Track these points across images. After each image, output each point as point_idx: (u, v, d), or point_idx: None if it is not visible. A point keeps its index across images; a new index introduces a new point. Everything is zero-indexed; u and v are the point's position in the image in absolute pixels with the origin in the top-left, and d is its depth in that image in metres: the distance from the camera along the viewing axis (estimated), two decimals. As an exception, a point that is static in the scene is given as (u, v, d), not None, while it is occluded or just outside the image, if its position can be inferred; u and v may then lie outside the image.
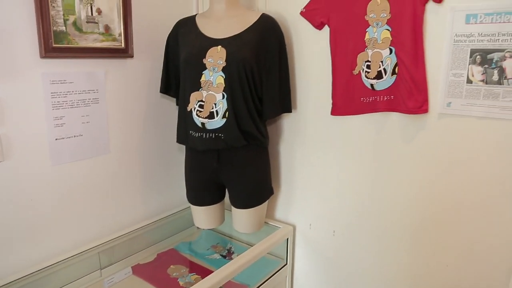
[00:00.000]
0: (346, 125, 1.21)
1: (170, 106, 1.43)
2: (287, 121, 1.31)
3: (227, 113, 1.12)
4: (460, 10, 0.98)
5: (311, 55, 1.23)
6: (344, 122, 1.21)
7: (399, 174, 1.13)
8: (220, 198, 1.23)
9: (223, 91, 1.10)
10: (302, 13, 1.17)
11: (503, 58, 0.95)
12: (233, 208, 1.19)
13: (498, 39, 0.95)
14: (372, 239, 1.20)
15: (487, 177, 1.01)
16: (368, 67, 1.09)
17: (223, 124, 1.12)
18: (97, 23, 1.11)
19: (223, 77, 1.10)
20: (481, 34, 0.96)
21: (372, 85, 1.09)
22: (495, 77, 0.96)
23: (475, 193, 1.03)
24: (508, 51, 0.94)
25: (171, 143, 1.34)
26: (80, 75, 1.11)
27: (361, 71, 1.11)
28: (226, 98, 1.11)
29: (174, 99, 1.32)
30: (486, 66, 0.97)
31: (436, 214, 1.10)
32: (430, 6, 1.01)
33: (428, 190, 1.10)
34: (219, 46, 1.10)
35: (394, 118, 1.10)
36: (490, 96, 0.97)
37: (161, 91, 1.22)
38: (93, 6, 1.10)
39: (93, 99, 1.16)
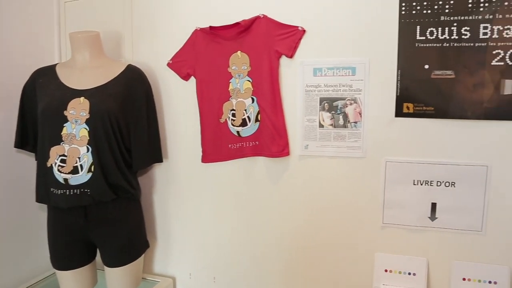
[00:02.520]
0: (217, 172, 1.36)
1: (28, 161, 1.41)
2: (159, 171, 1.40)
3: (92, 166, 1.15)
4: (308, 65, 1.22)
5: (180, 105, 1.37)
6: (215, 169, 1.36)
7: (270, 214, 1.32)
8: (91, 258, 1.22)
9: (88, 144, 1.15)
10: (169, 65, 1.32)
11: (345, 105, 1.20)
12: (106, 268, 1.19)
13: (340, 89, 1.20)
14: (251, 279, 1.35)
15: (342, 208, 1.26)
16: (234, 115, 1.27)
17: (89, 179, 1.15)
18: None
19: (87, 129, 1.15)
20: (327, 85, 1.21)
21: (238, 132, 1.27)
22: (341, 121, 1.21)
23: (333, 222, 1.28)
24: (348, 99, 1.20)
25: (30, 202, 1.32)
26: None
27: (227, 119, 1.27)
28: (91, 151, 1.15)
29: (33, 154, 1.31)
30: (333, 112, 1.21)
31: (306, 248, 1.30)
32: (284, 61, 1.24)
33: (296, 225, 1.29)
34: (82, 97, 1.16)
35: (261, 162, 1.28)
36: (338, 138, 1.21)
37: (16, 146, 1.19)
38: None
39: None
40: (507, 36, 1.08)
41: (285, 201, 1.29)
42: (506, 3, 1.06)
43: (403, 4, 1.12)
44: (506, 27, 1.08)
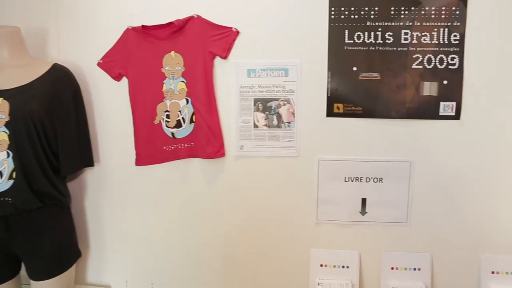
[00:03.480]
0: (152, 175, 1.37)
1: None
2: (91, 176, 1.39)
3: (14, 173, 1.12)
4: (242, 66, 1.27)
5: (111, 106, 1.36)
6: (150, 172, 1.37)
7: (206, 216, 1.35)
8: (14, 273, 1.17)
9: (8, 149, 1.11)
10: (99, 64, 1.31)
11: (279, 106, 1.27)
12: (33, 282, 1.14)
13: (273, 90, 1.27)
14: (190, 282, 1.39)
15: (277, 206, 1.35)
16: (168, 116, 1.29)
17: (11, 186, 1.12)
18: None
19: (6, 133, 1.11)
20: (261, 86, 1.27)
21: (173, 133, 1.29)
22: (275, 121, 1.27)
23: (269, 221, 1.35)
24: (282, 100, 1.27)
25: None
26: None
27: (162, 120, 1.30)
28: (12, 157, 1.11)
29: None
30: (267, 112, 1.27)
31: (244, 247, 1.36)
32: (218, 61, 1.28)
33: (233, 224, 1.35)
34: (1, 99, 1.12)
35: (197, 164, 1.32)
36: (273, 138, 1.28)
37: None
38: None
39: None
40: (424, 42, 1.21)
41: (221, 201, 1.33)
42: (422, 12, 1.19)
43: (333, 9, 1.22)
44: (423, 33, 1.21)
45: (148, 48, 1.27)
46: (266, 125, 1.24)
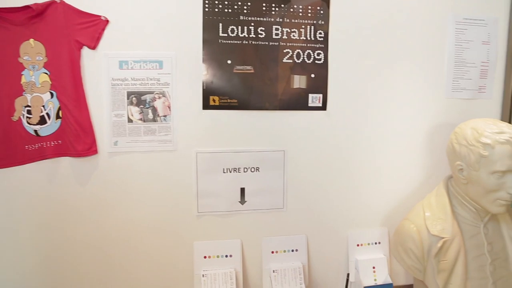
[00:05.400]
0: (13, 178, 1.31)
1: None
2: None
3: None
4: (113, 57, 1.29)
5: None
6: (10, 175, 1.31)
7: (79, 217, 1.36)
8: None
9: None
10: None
11: (154, 99, 1.33)
12: None
13: (148, 83, 1.32)
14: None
15: (157, 201, 1.42)
16: (29, 112, 1.26)
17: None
18: None
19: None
20: (134, 78, 1.31)
21: (36, 131, 1.27)
22: (150, 115, 1.33)
23: (150, 216, 1.43)
24: (157, 93, 1.33)
25: None
26: None
27: (22, 117, 1.26)
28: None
29: None
30: (142, 106, 1.32)
31: (125, 245, 1.41)
32: (86, 52, 1.28)
33: (111, 223, 1.39)
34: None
35: (66, 163, 1.31)
36: (149, 132, 1.33)
37: None
38: None
39: None
40: (294, 38, 1.40)
41: (96, 201, 1.35)
42: (291, 10, 1.37)
43: (207, 2, 1.33)
44: (292, 30, 1.39)
45: (2, 34, 1.23)
46: (141, 119, 1.30)
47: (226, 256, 1.42)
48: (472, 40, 1.57)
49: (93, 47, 1.25)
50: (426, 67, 1.52)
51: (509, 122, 1.60)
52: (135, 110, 1.28)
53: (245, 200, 1.40)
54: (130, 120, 1.29)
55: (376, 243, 1.54)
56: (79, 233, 1.36)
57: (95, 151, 1.31)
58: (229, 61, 1.33)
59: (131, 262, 1.40)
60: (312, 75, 1.39)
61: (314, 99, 1.41)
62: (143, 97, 1.29)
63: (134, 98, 1.28)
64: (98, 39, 1.28)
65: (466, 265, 1.21)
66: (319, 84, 1.41)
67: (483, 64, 1.59)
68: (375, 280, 1.45)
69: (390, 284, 1.45)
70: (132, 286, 1.40)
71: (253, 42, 1.34)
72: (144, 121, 1.29)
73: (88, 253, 1.37)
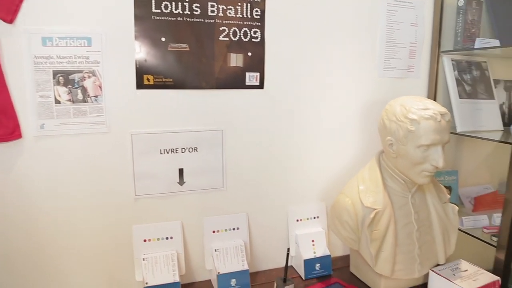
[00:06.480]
0: None
1: None
2: None
3: None
4: (35, 33, 1.21)
5: None
6: None
7: (4, 210, 1.28)
8: None
9: None
10: None
11: (83, 78, 1.27)
12: None
13: (76, 61, 1.26)
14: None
15: (92, 186, 1.38)
16: None
17: None
18: None
19: None
20: (60, 56, 1.24)
21: None
22: (80, 96, 1.28)
23: (85, 202, 1.38)
24: (86, 72, 1.27)
25: None
26: None
27: None
28: None
29: None
30: (70, 86, 1.26)
31: (57, 235, 1.36)
32: (3, 27, 1.19)
33: (40, 212, 1.33)
34: None
35: (-14, 149, 1.21)
36: (79, 114, 1.28)
37: None
38: None
39: None
40: (230, 15, 1.40)
41: (23, 190, 1.28)
42: (227, -14, 1.35)
43: (138, -25, 1.27)
44: (228, 7, 1.39)
45: None
46: (70, 100, 1.26)
47: (167, 238, 1.43)
48: (402, 22, 1.66)
49: (9, 20, 1.18)
50: (360, 47, 1.60)
51: (434, 99, 1.74)
52: (62, 91, 1.24)
53: (184, 181, 1.41)
54: (57, 101, 1.24)
55: (315, 218, 1.62)
56: (4, 227, 1.28)
57: (18, 135, 1.24)
58: (163, 39, 1.31)
59: (67, 251, 1.35)
60: (249, 54, 1.42)
61: (251, 77, 1.44)
62: (71, 77, 1.24)
63: (61, 78, 1.23)
64: (15, 11, 1.19)
65: (396, 233, 1.32)
66: (256, 62, 1.44)
67: (411, 45, 1.70)
68: (314, 253, 1.54)
69: (329, 256, 1.55)
70: (70, 276, 1.36)
71: (188, 19, 1.33)
72: (73, 102, 1.25)
73: (15, 246, 1.30)
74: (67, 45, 1.25)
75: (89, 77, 1.26)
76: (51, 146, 1.29)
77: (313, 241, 1.56)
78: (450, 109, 1.69)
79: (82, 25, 1.27)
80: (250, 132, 1.50)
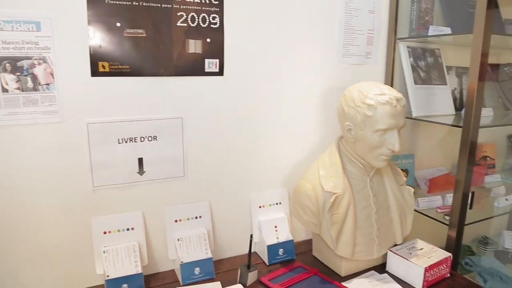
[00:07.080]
0: None
1: None
2: None
3: None
4: (-24, 16, 1.13)
5: None
6: None
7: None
8: None
9: None
10: None
11: (33, 65, 1.21)
12: None
13: (24, 47, 1.20)
14: None
15: (47, 179, 1.33)
16: None
17: None
18: None
19: None
20: (5, 41, 1.18)
21: None
22: (30, 84, 1.22)
23: (41, 196, 1.33)
24: (36, 59, 1.21)
25: None
26: None
27: None
28: None
29: None
30: (18, 73, 1.20)
31: (21, 236, 1.31)
32: None
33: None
34: None
35: None
36: (30, 103, 1.22)
37: None
38: None
39: None
40: (188, 0, 1.38)
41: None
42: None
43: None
44: (186, -9, 1.36)
45: None
46: (18, 88, 1.20)
47: (128, 229, 1.41)
48: (360, 9, 1.71)
49: None
50: (319, 33, 1.62)
51: (391, 85, 1.81)
52: (10, 78, 1.18)
53: (144, 170, 1.40)
54: (5, 90, 1.19)
55: (277, 204, 1.65)
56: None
57: (-37, 126, 1.14)
58: (118, 24, 1.28)
59: (23, 247, 1.30)
60: (208, 40, 1.41)
61: (211, 64, 1.44)
62: (19, 63, 1.19)
63: (7, 65, 1.18)
64: (-47, -7, 1.08)
65: (355, 216, 1.37)
66: (215, 49, 1.43)
67: (369, 32, 1.75)
68: (277, 238, 1.57)
69: (291, 241, 1.59)
70: (28, 271, 1.32)
71: (144, 4, 1.31)
72: (22, 90, 1.20)
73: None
74: (13, 30, 1.20)
75: (39, 64, 1.21)
76: (1, 138, 1.22)
77: (276, 226, 1.59)
78: (406, 94, 1.76)
79: (30, 9, 1.21)
80: (210, 120, 1.49)
